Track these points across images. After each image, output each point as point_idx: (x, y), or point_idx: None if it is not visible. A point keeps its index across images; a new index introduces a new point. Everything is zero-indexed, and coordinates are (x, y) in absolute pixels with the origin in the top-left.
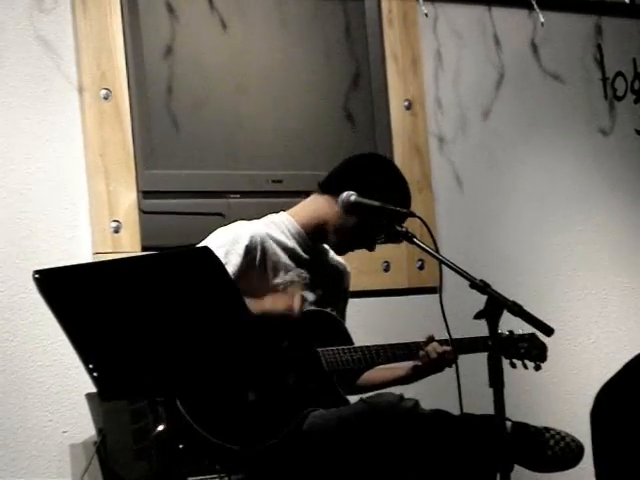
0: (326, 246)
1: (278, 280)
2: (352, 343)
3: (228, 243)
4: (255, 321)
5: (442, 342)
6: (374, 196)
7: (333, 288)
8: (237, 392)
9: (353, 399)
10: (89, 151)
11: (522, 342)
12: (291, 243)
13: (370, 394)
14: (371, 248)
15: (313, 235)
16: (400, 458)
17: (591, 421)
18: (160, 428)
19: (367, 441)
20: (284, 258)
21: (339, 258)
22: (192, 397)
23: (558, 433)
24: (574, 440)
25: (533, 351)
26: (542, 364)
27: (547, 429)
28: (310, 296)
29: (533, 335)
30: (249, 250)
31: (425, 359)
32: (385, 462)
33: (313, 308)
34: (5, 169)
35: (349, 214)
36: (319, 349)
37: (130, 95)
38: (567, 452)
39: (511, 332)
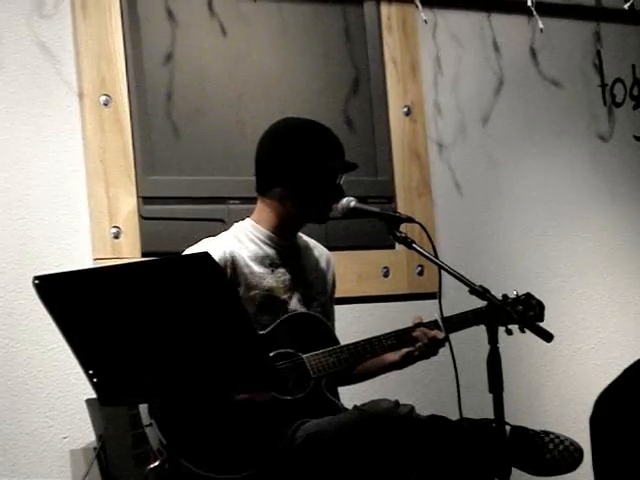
0: (305, 239)
1: (255, 291)
2: (337, 342)
3: None
4: (254, 328)
5: (431, 324)
6: (308, 173)
7: (318, 282)
8: (226, 409)
9: (351, 396)
10: (89, 157)
11: (517, 305)
12: (263, 250)
13: (365, 401)
14: (339, 195)
15: (283, 233)
16: (397, 465)
17: (590, 427)
18: (156, 463)
19: (364, 449)
20: (258, 267)
21: (321, 249)
22: (175, 423)
23: (557, 437)
24: (573, 444)
25: (529, 313)
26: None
27: (546, 433)
28: (293, 297)
29: (528, 295)
30: None
31: (416, 345)
32: (382, 470)
33: (295, 312)
34: (5, 175)
35: (294, 195)
36: (304, 355)
37: (130, 101)
38: (566, 456)
39: (505, 296)
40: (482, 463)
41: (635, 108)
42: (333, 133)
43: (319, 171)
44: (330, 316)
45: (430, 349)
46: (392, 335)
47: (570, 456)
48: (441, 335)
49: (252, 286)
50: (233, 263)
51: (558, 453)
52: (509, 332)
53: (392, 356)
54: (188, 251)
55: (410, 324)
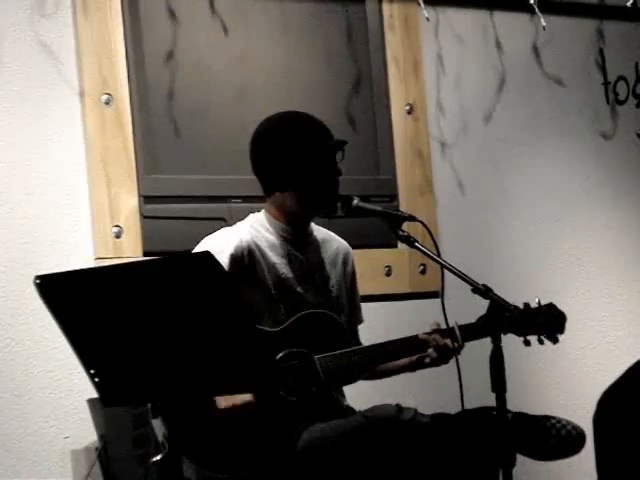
0: (324, 231)
1: (270, 281)
2: (350, 343)
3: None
4: (256, 328)
5: (446, 331)
6: (296, 169)
7: (335, 275)
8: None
9: (355, 394)
10: (90, 156)
11: (539, 315)
12: (279, 241)
13: (368, 399)
14: (337, 174)
15: (296, 226)
16: (401, 470)
17: (593, 426)
18: (158, 457)
19: (367, 455)
20: (274, 258)
21: (339, 242)
22: (179, 420)
23: (559, 421)
24: (575, 428)
25: (551, 323)
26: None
27: (548, 417)
28: (309, 289)
29: (551, 305)
30: (234, 259)
31: (428, 351)
32: (386, 475)
33: (310, 311)
34: (6, 174)
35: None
36: (316, 356)
37: (131, 100)
38: (569, 440)
39: (526, 305)
40: (487, 455)
41: (638, 106)
42: (311, 117)
43: (306, 161)
44: (353, 310)
45: (441, 357)
46: (405, 340)
47: (573, 440)
48: (451, 344)
49: (268, 275)
50: (249, 251)
51: (561, 437)
52: (527, 343)
53: (403, 361)
54: (204, 242)
55: (412, 323)
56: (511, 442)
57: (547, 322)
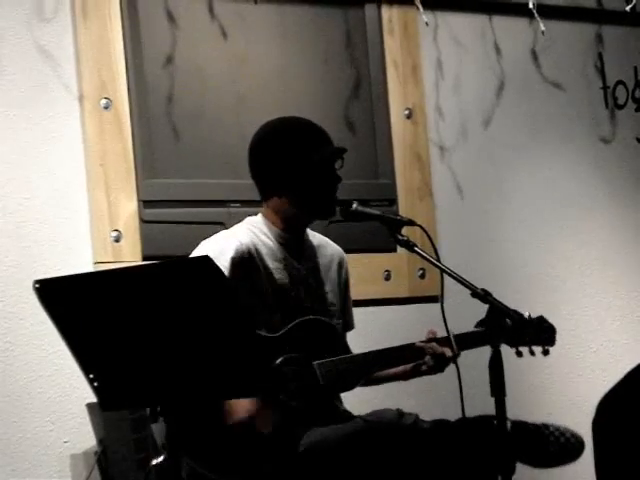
0: (319, 237)
1: (267, 286)
2: (348, 349)
3: (213, 257)
4: (256, 332)
5: (442, 340)
6: (296, 175)
7: (329, 280)
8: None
9: (353, 400)
10: (89, 160)
11: (529, 327)
12: (275, 245)
13: (368, 404)
14: (337, 181)
15: (292, 231)
16: (401, 476)
17: (593, 430)
18: (159, 459)
19: (367, 460)
20: (270, 262)
21: (334, 247)
22: (179, 423)
23: (557, 429)
24: (574, 435)
25: (541, 335)
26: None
27: (546, 425)
28: (304, 295)
29: (541, 318)
30: (235, 261)
31: (425, 359)
32: None
33: (307, 317)
34: (5, 178)
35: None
36: (314, 362)
37: (130, 104)
38: (568, 447)
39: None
40: (486, 462)
41: (637, 110)
42: (312, 123)
43: (306, 169)
44: (345, 316)
45: (438, 365)
46: (403, 348)
47: (572, 447)
48: (449, 353)
49: (265, 279)
50: (249, 254)
51: (560, 445)
52: (519, 354)
53: (399, 368)
54: (203, 245)
55: (412, 328)
56: (510, 450)
57: (537, 334)
